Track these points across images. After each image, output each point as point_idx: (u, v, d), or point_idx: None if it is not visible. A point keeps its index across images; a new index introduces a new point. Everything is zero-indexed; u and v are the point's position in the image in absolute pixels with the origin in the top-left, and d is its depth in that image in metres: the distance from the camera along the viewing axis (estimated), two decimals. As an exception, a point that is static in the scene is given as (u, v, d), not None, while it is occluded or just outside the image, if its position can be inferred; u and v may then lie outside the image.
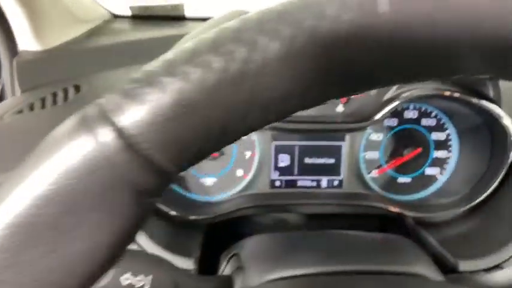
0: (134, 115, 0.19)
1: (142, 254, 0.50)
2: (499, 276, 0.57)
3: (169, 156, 0.20)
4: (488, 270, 0.63)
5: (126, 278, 0.45)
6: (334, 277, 0.53)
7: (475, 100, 0.74)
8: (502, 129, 0.75)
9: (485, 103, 0.73)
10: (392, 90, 0.78)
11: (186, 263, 0.67)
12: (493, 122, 0.77)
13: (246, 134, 0.22)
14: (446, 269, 0.71)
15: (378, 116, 0.77)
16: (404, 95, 0.76)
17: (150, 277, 0.46)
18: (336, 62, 0.19)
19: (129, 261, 0.46)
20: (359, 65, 0.20)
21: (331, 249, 0.59)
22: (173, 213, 0.77)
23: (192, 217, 0.80)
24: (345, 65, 0.20)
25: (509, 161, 0.76)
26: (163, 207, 0.76)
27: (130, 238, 0.21)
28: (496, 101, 0.74)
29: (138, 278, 0.45)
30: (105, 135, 0.19)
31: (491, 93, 0.73)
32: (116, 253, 0.21)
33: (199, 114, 0.19)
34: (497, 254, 0.68)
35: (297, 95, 0.20)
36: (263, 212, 0.87)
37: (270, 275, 0.54)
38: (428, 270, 0.58)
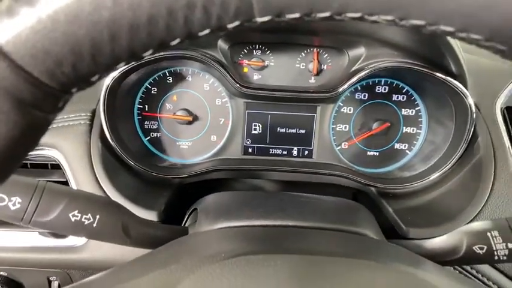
0: (5, 27, 0.22)
1: (98, 198, 0.55)
2: (431, 242, 0.61)
3: (43, 68, 0.23)
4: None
5: (75, 215, 0.49)
6: (274, 229, 0.57)
7: (440, 75, 0.75)
8: (465, 108, 0.77)
9: (450, 79, 0.75)
10: (359, 63, 0.80)
11: (149, 215, 0.72)
12: (457, 99, 0.78)
13: (116, 63, 0.25)
14: (400, 236, 0.75)
15: (343, 87, 0.80)
16: (369, 66, 0.78)
17: (97, 216, 0.50)
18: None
19: (81, 202, 0.51)
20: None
21: (281, 207, 0.63)
22: (145, 171, 0.81)
23: (165, 176, 0.84)
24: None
25: (469, 138, 0.78)
26: (135, 164, 0.80)
27: (12, 147, 0.24)
28: (458, 76, 0.75)
29: (86, 216, 0.50)
30: None
31: (453, 68, 0.75)
32: None
33: (63, 31, 0.23)
34: (443, 226, 0.71)
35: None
36: (235, 176, 0.91)
37: (217, 225, 0.58)
38: (371, 232, 0.61)
